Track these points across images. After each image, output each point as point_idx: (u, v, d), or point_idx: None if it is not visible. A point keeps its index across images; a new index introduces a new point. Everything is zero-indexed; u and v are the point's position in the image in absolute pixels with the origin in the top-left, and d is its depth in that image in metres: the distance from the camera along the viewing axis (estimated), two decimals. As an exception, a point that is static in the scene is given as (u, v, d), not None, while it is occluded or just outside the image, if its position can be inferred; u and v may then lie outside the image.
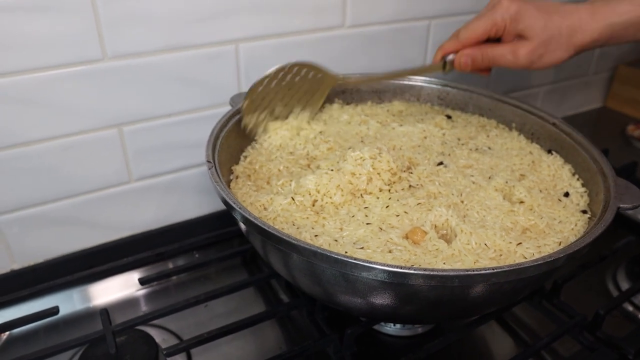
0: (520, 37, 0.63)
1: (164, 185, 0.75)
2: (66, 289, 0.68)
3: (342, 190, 0.54)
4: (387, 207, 0.53)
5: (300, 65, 0.65)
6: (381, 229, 0.50)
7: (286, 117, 0.67)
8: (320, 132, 0.67)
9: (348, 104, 0.76)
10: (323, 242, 0.48)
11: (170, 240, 0.74)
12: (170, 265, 0.74)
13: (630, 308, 0.67)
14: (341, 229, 0.50)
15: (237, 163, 0.63)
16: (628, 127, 1.15)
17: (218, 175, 0.50)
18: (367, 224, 0.51)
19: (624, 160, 0.90)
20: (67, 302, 0.67)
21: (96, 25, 0.60)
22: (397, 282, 0.41)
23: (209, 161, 0.52)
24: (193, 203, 0.79)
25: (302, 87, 0.67)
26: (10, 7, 0.55)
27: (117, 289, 0.70)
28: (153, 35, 0.64)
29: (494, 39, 0.65)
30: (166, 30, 0.65)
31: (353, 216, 0.52)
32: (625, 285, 0.71)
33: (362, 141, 0.65)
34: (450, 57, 0.67)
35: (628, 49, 1.24)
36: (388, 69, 0.85)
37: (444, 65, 0.68)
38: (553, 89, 1.15)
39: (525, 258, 0.49)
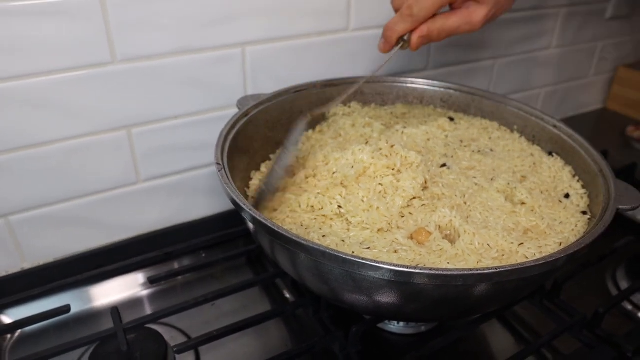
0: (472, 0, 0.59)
1: (172, 186, 0.76)
2: (75, 288, 0.69)
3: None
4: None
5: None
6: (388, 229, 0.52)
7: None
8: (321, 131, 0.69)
9: (350, 107, 0.77)
10: (331, 243, 0.49)
11: (177, 241, 0.75)
12: (176, 265, 0.75)
13: (629, 307, 0.69)
14: (348, 229, 0.51)
15: (244, 165, 0.64)
16: (628, 128, 1.16)
17: (227, 176, 0.51)
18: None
19: (623, 162, 0.92)
20: (76, 301, 0.68)
21: (106, 29, 0.61)
22: (403, 281, 0.42)
23: (218, 163, 0.53)
24: (200, 204, 0.80)
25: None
26: (21, 12, 0.56)
27: (123, 288, 0.71)
28: (162, 39, 0.65)
29: None
30: (175, 33, 0.66)
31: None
32: (624, 284, 0.72)
33: (367, 143, 0.66)
34: (405, 36, 0.62)
35: (628, 52, 1.26)
36: (391, 71, 0.86)
37: (400, 44, 0.62)
38: (554, 90, 1.17)
39: (527, 258, 0.50)
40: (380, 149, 0.57)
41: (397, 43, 0.63)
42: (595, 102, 1.29)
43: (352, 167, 0.56)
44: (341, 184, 0.55)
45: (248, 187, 0.62)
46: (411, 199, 0.55)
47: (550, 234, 0.54)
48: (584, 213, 0.58)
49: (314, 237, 0.50)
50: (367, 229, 0.51)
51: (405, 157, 0.57)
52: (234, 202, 0.49)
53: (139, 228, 0.77)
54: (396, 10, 0.62)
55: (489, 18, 0.60)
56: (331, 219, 0.53)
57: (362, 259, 0.41)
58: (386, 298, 0.46)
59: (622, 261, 0.76)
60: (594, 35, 1.15)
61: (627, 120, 1.21)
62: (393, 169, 0.56)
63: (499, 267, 0.42)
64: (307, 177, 0.58)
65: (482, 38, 0.95)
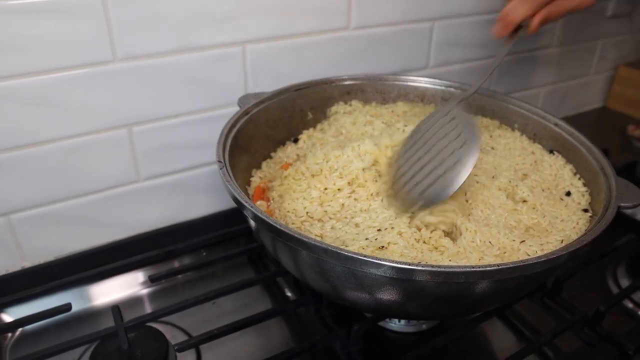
0: None
1: (172, 184, 0.76)
2: (75, 286, 0.69)
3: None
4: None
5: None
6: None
7: None
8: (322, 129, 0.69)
9: (351, 105, 0.77)
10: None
11: (178, 239, 0.75)
12: (177, 264, 0.75)
13: (630, 305, 0.68)
14: (350, 227, 0.51)
15: (245, 163, 0.64)
16: (628, 127, 1.16)
17: (229, 174, 0.51)
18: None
19: (624, 160, 0.92)
20: (77, 299, 0.68)
21: (107, 27, 0.61)
22: (404, 278, 0.42)
23: (219, 161, 0.53)
24: (200, 202, 0.80)
25: None
26: (21, 10, 0.56)
27: (124, 286, 0.71)
28: (162, 37, 0.65)
29: None
30: (175, 32, 0.66)
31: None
32: (625, 282, 0.72)
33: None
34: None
35: (628, 50, 1.26)
36: (392, 70, 0.86)
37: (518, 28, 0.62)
38: (554, 89, 1.17)
39: (529, 255, 0.50)
40: (387, 147, 0.57)
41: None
42: (595, 101, 1.29)
43: (362, 160, 0.56)
44: (342, 179, 0.55)
45: (249, 185, 0.62)
46: None
47: (551, 231, 0.54)
48: (585, 211, 0.58)
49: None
50: (369, 226, 0.51)
51: None
52: (235, 199, 0.48)
53: (139, 227, 0.77)
54: None
55: None
56: (330, 218, 0.53)
57: (364, 255, 0.41)
58: (388, 295, 0.46)
59: (622, 259, 0.76)
60: (595, 34, 1.15)
61: (628, 119, 1.21)
62: None
63: (500, 264, 0.42)
64: (313, 176, 0.58)
65: (483, 36, 0.95)
